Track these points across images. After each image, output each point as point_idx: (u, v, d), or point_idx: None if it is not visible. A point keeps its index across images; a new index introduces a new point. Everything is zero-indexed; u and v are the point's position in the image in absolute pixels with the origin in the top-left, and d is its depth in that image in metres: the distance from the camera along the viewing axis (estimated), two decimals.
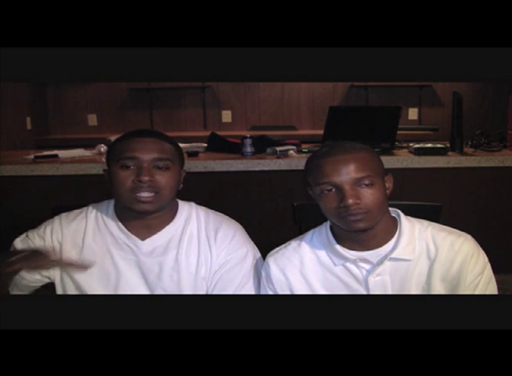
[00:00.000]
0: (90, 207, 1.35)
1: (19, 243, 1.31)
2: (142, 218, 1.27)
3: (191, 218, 1.33)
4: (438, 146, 2.64)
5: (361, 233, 1.16)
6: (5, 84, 3.70)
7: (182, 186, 1.32)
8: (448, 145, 2.66)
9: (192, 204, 1.38)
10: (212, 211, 1.39)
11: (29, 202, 2.63)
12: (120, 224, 1.29)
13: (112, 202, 1.33)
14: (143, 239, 1.28)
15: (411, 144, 2.76)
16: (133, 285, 1.27)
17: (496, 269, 1.22)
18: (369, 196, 1.12)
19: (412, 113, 4.61)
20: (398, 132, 2.74)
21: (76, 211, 1.36)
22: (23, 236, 1.32)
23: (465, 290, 1.16)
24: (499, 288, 1.22)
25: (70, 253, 1.28)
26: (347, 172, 1.11)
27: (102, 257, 1.28)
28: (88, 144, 3.13)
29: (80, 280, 1.28)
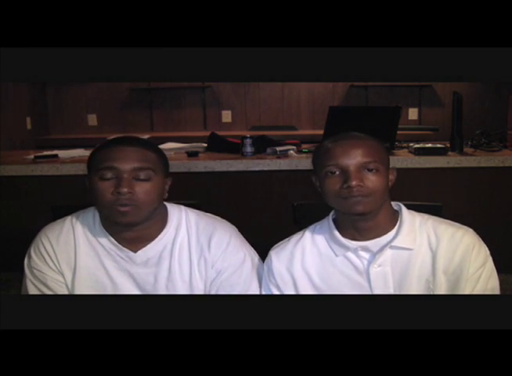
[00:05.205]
0: (74, 218, 1.30)
1: (27, 268, 1.28)
2: (129, 230, 1.22)
3: (181, 224, 1.29)
4: (438, 146, 2.63)
5: (361, 219, 1.18)
6: (5, 84, 3.70)
7: (167, 195, 1.27)
8: (448, 145, 2.66)
9: (182, 207, 1.32)
10: (204, 214, 1.34)
11: (29, 202, 2.63)
12: (109, 237, 1.25)
13: (97, 211, 1.27)
14: (135, 251, 1.25)
15: (411, 144, 2.76)
16: None
17: (496, 269, 1.22)
18: (372, 180, 1.15)
19: (412, 113, 4.61)
20: (398, 132, 2.74)
21: (58, 223, 1.30)
22: (27, 260, 1.28)
23: (467, 282, 1.17)
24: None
25: (65, 268, 1.26)
26: (355, 156, 1.16)
27: (97, 270, 1.25)
28: (88, 144, 3.11)
29: (76, 293, 1.25)
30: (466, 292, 1.17)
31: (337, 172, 1.17)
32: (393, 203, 1.27)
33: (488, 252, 1.21)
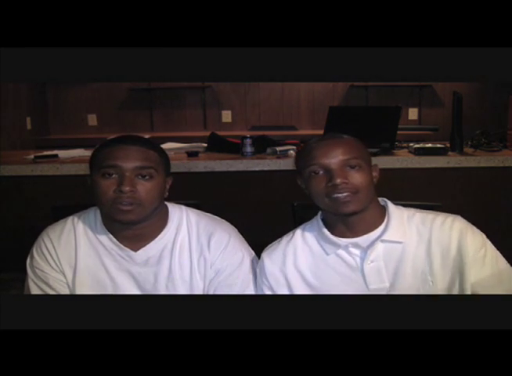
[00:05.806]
0: (75, 218, 1.31)
1: (29, 268, 1.29)
2: (130, 229, 1.23)
3: (182, 224, 1.30)
4: (438, 146, 2.63)
5: (350, 217, 1.19)
6: (5, 84, 3.70)
7: (167, 193, 1.28)
8: (448, 145, 2.66)
9: (183, 207, 1.34)
10: (204, 214, 1.35)
11: (29, 202, 2.63)
12: (110, 236, 1.26)
13: (98, 211, 1.28)
14: (136, 250, 1.26)
15: (411, 144, 2.76)
16: None
17: None
18: (357, 177, 1.17)
19: (412, 113, 4.61)
20: (398, 132, 2.74)
21: (60, 224, 1.31)
22: (30, 260, 1.29)
23: (471, 265, 1.16)
24: None
25: (66, 268, 1.27)
26: (336, 155, 1.18)
27: (97, 269, 1.26)
28: (88, 144, 3.11)
29: (77, 293, 1.26)
30: (473, 275, 1.16)
31: (321, 172, 1.18)
32: (379, 199, 1.28)
33: (483, 235, 1.21)
